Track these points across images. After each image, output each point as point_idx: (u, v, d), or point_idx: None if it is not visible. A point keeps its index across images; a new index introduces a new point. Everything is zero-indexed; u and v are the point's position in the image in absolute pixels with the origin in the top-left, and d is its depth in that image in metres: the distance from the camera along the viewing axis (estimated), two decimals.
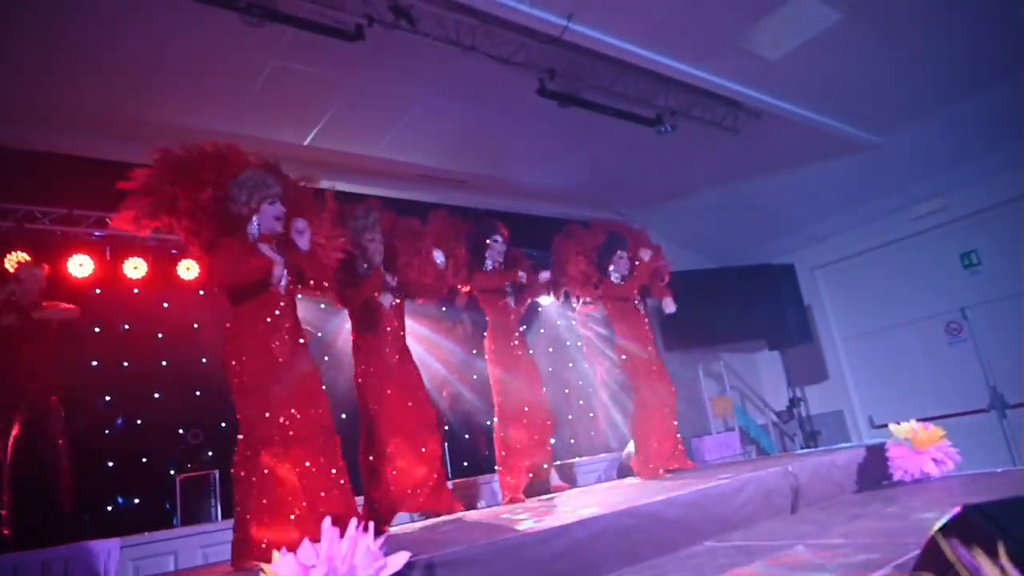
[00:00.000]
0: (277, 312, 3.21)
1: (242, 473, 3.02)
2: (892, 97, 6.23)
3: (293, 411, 3.05)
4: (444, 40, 4.61)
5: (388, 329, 4.05)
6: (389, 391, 3.96)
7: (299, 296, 3.48)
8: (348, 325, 4.19)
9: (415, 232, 4.42)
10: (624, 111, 5.79)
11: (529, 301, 5.03)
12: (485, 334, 4.75)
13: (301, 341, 3.29)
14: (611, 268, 5.06)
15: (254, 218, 3.23)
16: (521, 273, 4.69)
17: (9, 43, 4.18)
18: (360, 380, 4.00)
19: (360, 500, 3.66)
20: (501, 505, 4.43)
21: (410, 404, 4.01)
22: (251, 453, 3.01)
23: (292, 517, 2.91)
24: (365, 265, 4.06)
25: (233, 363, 3.10)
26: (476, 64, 4.94)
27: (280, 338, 3.17)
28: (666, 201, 8.03)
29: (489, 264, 4.70)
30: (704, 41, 5.17)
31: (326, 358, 5.66)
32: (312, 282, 3.49)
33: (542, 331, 7.59)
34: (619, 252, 5.07)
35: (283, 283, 3.27)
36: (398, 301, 4.15)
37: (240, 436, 3.08)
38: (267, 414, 3.01)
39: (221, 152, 3.33)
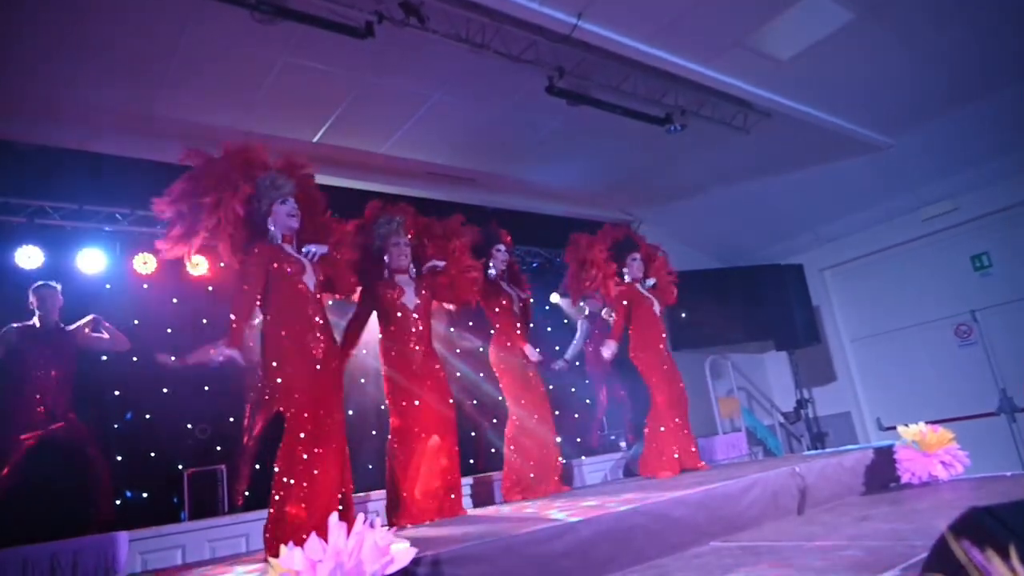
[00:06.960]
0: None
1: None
2: (904, 98, 6.19)
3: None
4: (454, 38, 4.60)
5: (414, 331, 3.99)
6: (416, 392, 3.94)
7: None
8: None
9: (448, 235, 4.39)
10: (633, 110, 5.77)
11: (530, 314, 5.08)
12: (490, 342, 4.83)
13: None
14: (624, 270, 5.12)
15: (269, 219, 3.28)
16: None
17: (18, 40, 4.20)
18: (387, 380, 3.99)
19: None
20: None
21: (436, 406, 3.97)
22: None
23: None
24: (389, 269, 4.06)
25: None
26: (486, 62, 4.94)
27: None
28: (675, 201, 8.01)
29: (492, 272, 4.72)
30: (714, 40, 5.14)
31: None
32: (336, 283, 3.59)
33: (548, 330, 7.57)
34: (632, 254, 5.12)
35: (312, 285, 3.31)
36: (419, 302, 4.07)
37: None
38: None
39: (242, 154, 3.36)
